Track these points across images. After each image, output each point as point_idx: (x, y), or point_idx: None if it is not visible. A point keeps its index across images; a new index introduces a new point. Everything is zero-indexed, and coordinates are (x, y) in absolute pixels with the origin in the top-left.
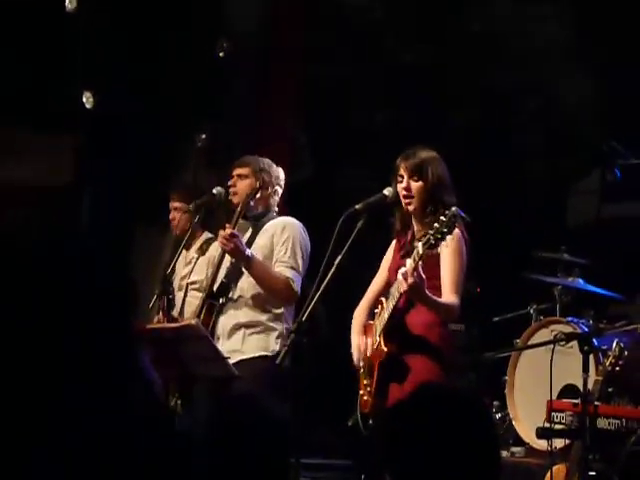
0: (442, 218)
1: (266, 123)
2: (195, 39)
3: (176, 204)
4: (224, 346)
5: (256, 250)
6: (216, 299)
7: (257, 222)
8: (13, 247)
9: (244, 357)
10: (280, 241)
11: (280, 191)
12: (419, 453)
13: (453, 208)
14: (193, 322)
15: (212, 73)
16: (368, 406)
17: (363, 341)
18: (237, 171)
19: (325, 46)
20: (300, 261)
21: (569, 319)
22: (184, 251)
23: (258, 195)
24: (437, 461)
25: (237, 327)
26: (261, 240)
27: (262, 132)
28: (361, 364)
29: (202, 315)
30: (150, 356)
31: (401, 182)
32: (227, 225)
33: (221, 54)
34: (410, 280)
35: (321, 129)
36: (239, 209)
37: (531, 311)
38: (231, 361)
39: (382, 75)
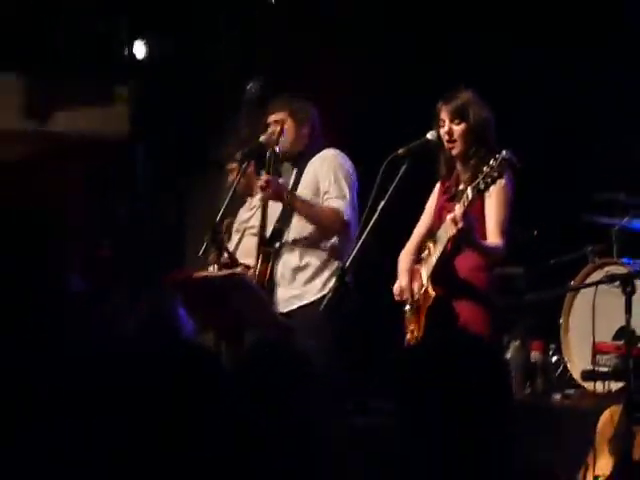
0: (492, 162)
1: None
2: None
3: (232, 165)
4: (283, 293)
5: (303, 188)
6: (271, 245)
7: (301, 162)
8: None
9: (303, 303)
10: (322, 174)
11: (317, 126)
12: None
13: (504, 152)
14: (238, 270)
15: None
16: None
17: (408, 283)
18: (273, 117)
19: None
20: (346, 189)
21: (624, 260)
22: (249, 198)
23: (294, 136)
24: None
25: (295, 271)
26: (306, 178)
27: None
28: (407, 307)
29: (258, 264)
30: (200, 303)
31: (443, 126)
32: (262, 172)
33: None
34: (460, 224)
35: None
36: (268, 154)
37: (587, 253)
38: (290, 308)
39: None
